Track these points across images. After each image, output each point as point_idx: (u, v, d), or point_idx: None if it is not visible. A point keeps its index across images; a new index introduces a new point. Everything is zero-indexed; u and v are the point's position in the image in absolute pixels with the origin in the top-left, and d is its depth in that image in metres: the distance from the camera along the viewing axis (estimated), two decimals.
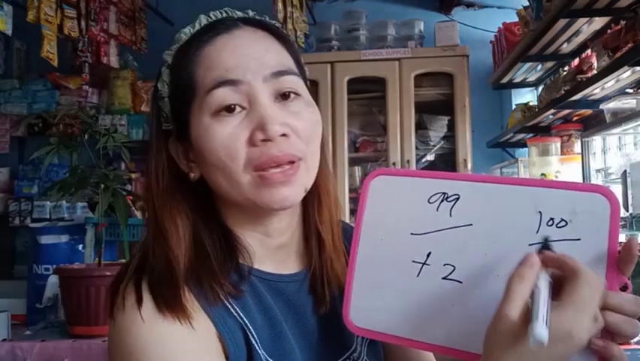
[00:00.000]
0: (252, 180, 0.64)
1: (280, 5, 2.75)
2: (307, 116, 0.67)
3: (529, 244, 0.56)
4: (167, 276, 0.63)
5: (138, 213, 2.38)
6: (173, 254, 0.64)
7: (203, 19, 0.69)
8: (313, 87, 3.06)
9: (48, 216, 3.59)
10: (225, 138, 0.64)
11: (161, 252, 0.65)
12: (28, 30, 2.62)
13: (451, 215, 0.60)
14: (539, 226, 0.56)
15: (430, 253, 0.60)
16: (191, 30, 0.69)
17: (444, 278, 0.59)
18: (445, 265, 0.60)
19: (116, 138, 2.09)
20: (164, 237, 0.65)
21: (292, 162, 0.65)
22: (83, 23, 2.77)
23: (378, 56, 3.17)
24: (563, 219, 0.56)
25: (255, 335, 0.64)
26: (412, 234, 0.61)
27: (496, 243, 0.58)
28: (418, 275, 0.60)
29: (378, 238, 0.63)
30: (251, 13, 0.71)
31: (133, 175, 3.48)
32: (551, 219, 0.56)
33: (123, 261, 2.15)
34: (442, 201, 0.61)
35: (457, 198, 0.60)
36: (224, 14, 0.70)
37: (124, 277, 0.66)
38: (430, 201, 0.61)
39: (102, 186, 1.97)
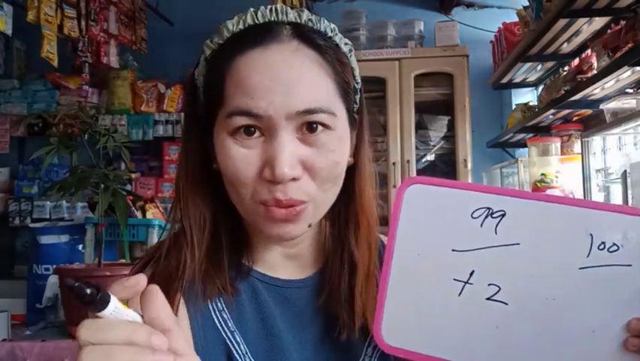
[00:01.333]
0: (259, 211, 0.62)
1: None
2: (329, 154, 0.62)
3: (580, 268, 0.54)
4: (174, 273, 0.63)
5: (138, 213, 2.38)
6: (190, 245, 0.64)
7: (248, 18, 0.63)
8: None
9: (48, 216, 3.59)
10: (238, 162, 0.61)
11: (179, 241, 0.64)
12: (28, 30, 2.62)
13: (496, 232, 0.57)
14: (590, 250, 0.54)
15: (473, 272, 0.57)
16: (234, 27, 0.63)
17: (488, 299, 0.56)
18: (489, 285, 0.56)
19: (116, 138, 2.09)
20: (188, 223, 0.65)
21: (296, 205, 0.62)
22: (83, 23, 2.77)
23: (378, 56, 3.17)
24: (614, 244, 0.54)
25: (240, 350, 0.64)
26: (453, 250, 0.58)
27: (544, 264, 0.55)
28: (459, 294, 0.57)
29: (414, 252, 0.59)
30: (304, 17, 0.64)
31: (133, 175, 3.48)
32: (602, 243, 0.54)
33: (123, 261, 2.15)
34: (486, 216, 0.57)
35: (503, 215, 0.57)
36: (273, 16, 0.63)
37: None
38: (474, 216, 0.57)
39: (102, 186, 1.97)
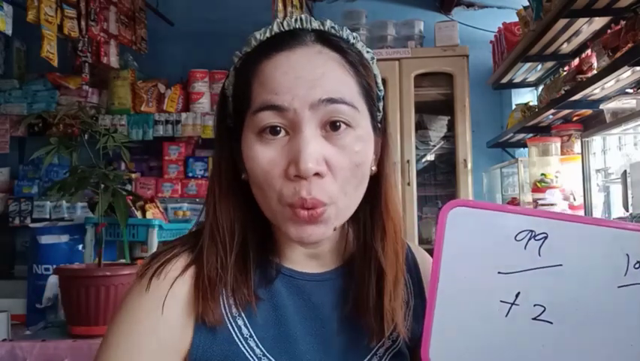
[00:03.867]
0: (284, 212, 0.64)
1: (280, 5, 2.75)
2: (352, 155, 0.64)
3: (619, 286, 0.57)
4: (214, 284, 0.66)
5: (138, 213, 2.38)
6: (222, 261, 0.66)
7: (275, 27, 0.67)
8: None
9: (48, 216, 3.60)
10: (265, 163, 0.63)
11: (212, 256, 0.67)
12: (28, 30, 2.62)
13: (540, 254, 0.59)
14: (627, 269, 0.57)
15: (519, 293, 0.59)
16: (261, 36, 0.67)
17: (534, 319, 0.59)
18: (535, 305, 0.59)
19: (116, 138, 2.08)
20: (220, 239, 0.67)
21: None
22: (82, 23, 2.77)
23: (378, 56, 3.14)
24: None
25: (254, 355, 0.66)
26: (499, 273, 0.59)
27: (586, 284, 0.58)
28: (506, 315, 0.59)
29: (461, 275, 0.61)
30: (328, 25, 0.68)
31: (133, 175, 3.48)
32: (638, 262, 0.57)
33: (123, 261, 2.15)
34: (529, 239, 0.59)
35: (546, 237, 0.59)
36: (298, 25, 0.67)
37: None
38: (517, 238, 0.59)
39: (102, 186, 1.97)
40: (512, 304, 0.59)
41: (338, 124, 0.63)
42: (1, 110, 3.70)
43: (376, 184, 0.71)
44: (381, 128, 0.72)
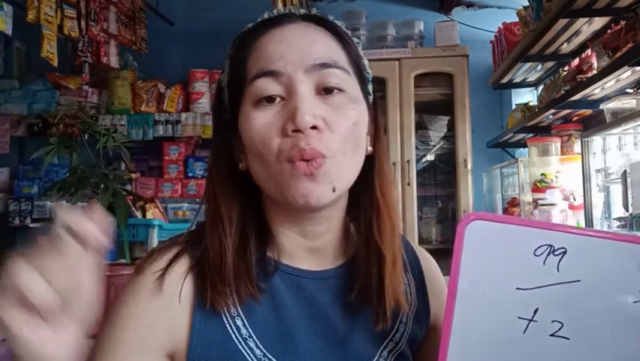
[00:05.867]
0: (284, 170, 0.64)
1: (280, 5, 2.74)
2: (348, 113, 0.66)
3: (634, 302, 0.57)
4: (218, 268, 0.66)
5: (138, 213, 2.38)
6: (224, 245, 0.66)
7: (265, 15, 0.71)
8: None
9: (48, 216, 3.59)
10: (261, 127, 0.64)
11: (215, 240, 0.67)
12: (28, 30, 2.62)
13: (558, 270, 0.58)
14: None
15: (537, 310, 0.58)
16: (252, 25, 0.70)
17: (552, 335, 0.58)
18: (552, 321, 0.58)
19: (116, 138, 2.09)
20: (221, 225, 0.67)
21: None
22: (82, 23, 2.77)
23: (378, 56, 3.17)
24: None
25: (254, 356, 0.65)
26: (517, 288, 0.59)
27: (602, 300, 0.58)
28: (524, 332, 0.59)
29: (479, 290, 0.60)
30: (314, 11, 0.72)
31: (133, 175, 3.48)
32: None
33: (123, 261, 2.15)
34: (548, 254, 0.59)
35: (564, 252, 0.58)
36: (287, 11, 0.71)
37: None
38: (536, 253, 0.59)
39: (102, 186, 1.97)
40: (530, 320, 0.58)
41: (331, 88, 0.65)
42: (1, 110, 3.70)
43: (372, 166, 0.72)
44: (374, 112, 0.73)
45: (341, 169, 0.66)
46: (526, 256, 0.59)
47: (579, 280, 0.58)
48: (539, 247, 0.59)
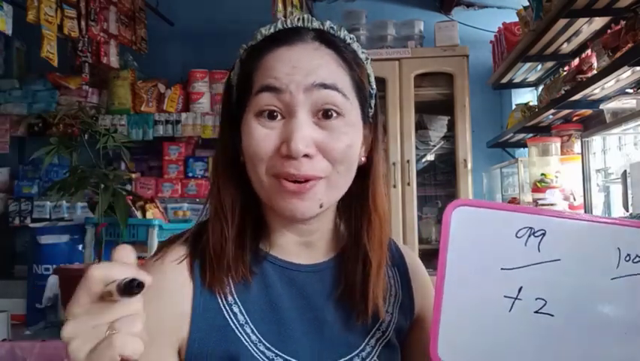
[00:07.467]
0: (272, 183, 0.69)
1: (280, 5, 2.74)
2: (342, 138, 0.69)
3: (612, 278, 0.61)
4: (218, 254, 0.70)
5: (138, 213, 2.38)
6: (225, 234, 0.71)
7: (279, 24, 0.73)
8: None
9: (48, 216, 3.60)
10: (259, 138, 0.68)
11: (217, 229, 0.71)
12: (28, 30, 2.62)
13: (539, 250, 0.62)
14: (619, 262, 0.61)
15: (521, 288, 0.62)
16: (266, 31, 0.72)
17: (536, 312, 0.62)
18: (536, 299, 0.62)
19: (116, 138, 2.09)
20: (223, 216, 0.72)
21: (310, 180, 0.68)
22: (82, 23, 2.77)
23: (378, 56, 3.17)
24: (637, 255, 0.61)
25: (250, 341, 0.69)
26: (502, 269, 0.63)
27: (582, 277, 0.62)
28: (510, 310, 0.62)
29: (466, 272, 0.63)
30: (327, 25, 0.73)
31: (133, 175, 3.48)
32: (628, 255, 0.61)
33: None
34: (529, 235, 0.62)
35: (544, 234, 0.62)
36: (300, 23, 0.72)
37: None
38: (518, 235, 0.63)
39: (102, 186, 1.97)
40: (515, 298, 0.62)
41: (330, 113, 0.68)
42: (1, 110, 3.70)
43: (366, 175, 0.76)
44: (372, 123, 0.77)
45: (334, 189, 0.71)
46: (509, 239, 0.63)
47: (559, 260, 0.62)
48: (520, 229, 0.63)
